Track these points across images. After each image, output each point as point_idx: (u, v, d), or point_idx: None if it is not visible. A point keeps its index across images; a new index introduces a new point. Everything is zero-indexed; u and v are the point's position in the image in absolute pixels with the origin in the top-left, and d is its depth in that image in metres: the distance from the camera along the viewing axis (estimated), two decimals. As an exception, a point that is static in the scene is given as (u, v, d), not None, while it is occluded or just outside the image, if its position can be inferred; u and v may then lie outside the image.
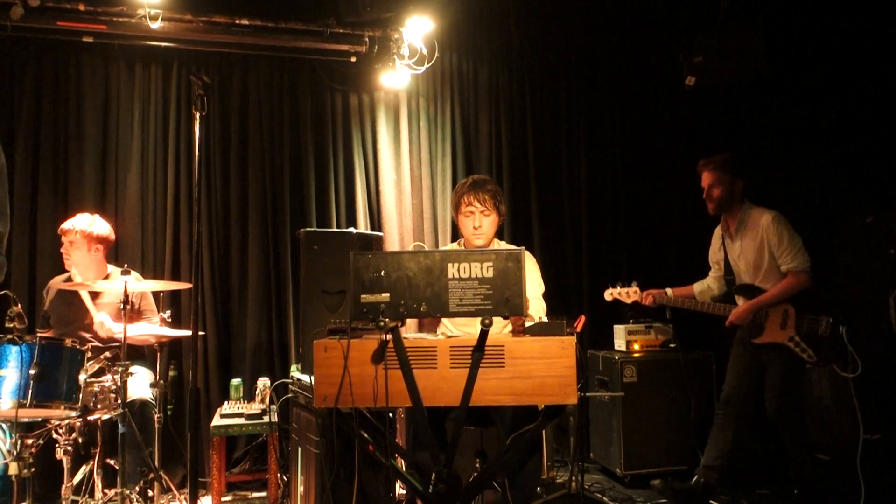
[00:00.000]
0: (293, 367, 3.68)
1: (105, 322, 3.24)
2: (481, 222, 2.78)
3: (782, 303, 3.16)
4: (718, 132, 4.82)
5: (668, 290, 3.47)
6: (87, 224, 3.37)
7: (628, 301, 3.46)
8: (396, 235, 4.38)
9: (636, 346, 3.89)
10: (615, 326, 4.04)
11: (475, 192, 2.77)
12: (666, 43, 4.56)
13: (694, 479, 3.28)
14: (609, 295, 3.45)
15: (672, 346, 3.92)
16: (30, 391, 2.58)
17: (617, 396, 3.74)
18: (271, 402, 3.51)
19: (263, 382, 3.62)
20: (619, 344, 3.96)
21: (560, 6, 4.73)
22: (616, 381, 3.77)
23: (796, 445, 3.16)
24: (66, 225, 3.37)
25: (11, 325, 2.65)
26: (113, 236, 3.53)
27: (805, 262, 3.13)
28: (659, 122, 4.84)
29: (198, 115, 2.43)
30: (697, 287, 3.53)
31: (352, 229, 3.76)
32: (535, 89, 4.74)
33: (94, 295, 3.38)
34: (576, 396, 1.93)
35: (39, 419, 2.76)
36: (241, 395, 3.68)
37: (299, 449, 2.72)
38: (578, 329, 2.11)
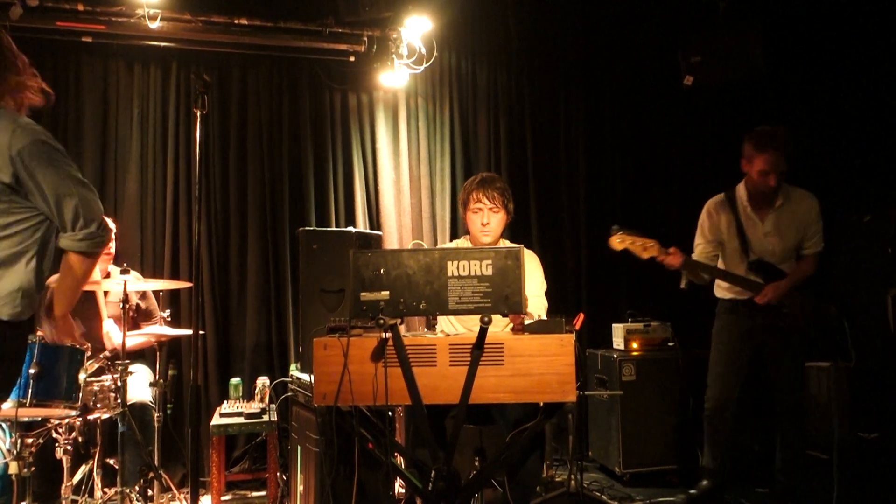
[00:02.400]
0: (292, 366, 3.68)
1: (111, 334, 3.23)
2: (489, 219, 2.77)
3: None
4: (716, 131, 4.84)
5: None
6: (111, 222, 3.41)
7: (643, 256, 2.90)
8: (395, 234, 4.39)
9: (635, 345, 3.89)
10: (614, 325, 4.05)
11: (484, 189, 2.77)
12: (664, 43, 4.57)
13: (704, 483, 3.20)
14: (619, 243, 2.87)
15: (670, 344, 3.93)
16: (29, 390, 2.57)
17: (616, 395, 3.75)
18: (270, 400, 3.51)
19: (263, 381, 3.62)
20: (618, 343, 3.97)
21: (559, 6, 4.74)
22: (615, 379, 3.78)
23: (800, 442, 3.09)
24: None
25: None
26: None
27: (822, 245, 3.15)
28: (657, 121, 4.86)
29: (198, 114, 2.43)
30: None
31: (351, 228, 3.76)
32: (533, 89, 4.75)
33: (103, 294, 3.40)
34: (575, 394, 1.93)
35: (39, 418, 2.76)
36: (241, 394, 3.69)
37: (299, 447, 2.73)
38: (577, 327, 2.11)
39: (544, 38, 4.76)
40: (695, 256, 3.19)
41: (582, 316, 2.45)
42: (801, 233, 3.14)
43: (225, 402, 3.63)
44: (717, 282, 3.25)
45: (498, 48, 4.71)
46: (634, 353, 3.85)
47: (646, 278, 4.76)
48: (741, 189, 3.21)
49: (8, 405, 2.57)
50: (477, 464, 2.42)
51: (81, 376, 2.77)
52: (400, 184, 4.45)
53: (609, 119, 4.83)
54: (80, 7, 3.75)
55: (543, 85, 4.77)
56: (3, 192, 1.78)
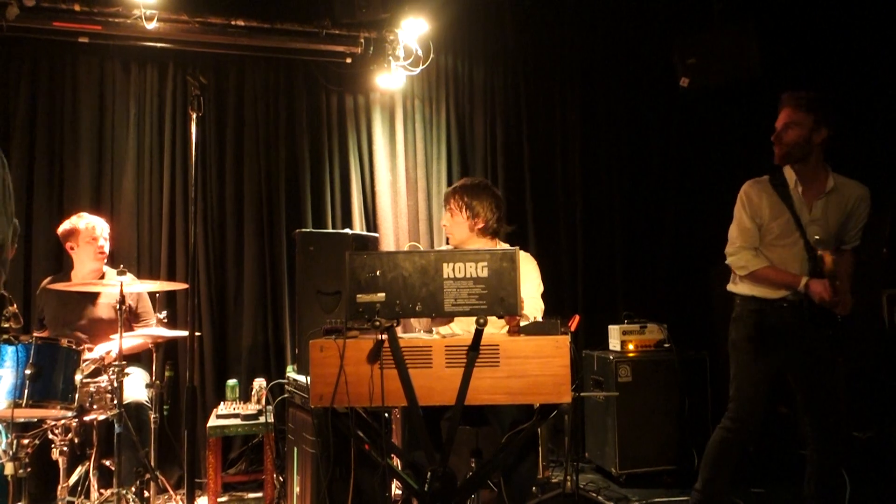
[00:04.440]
0: (289, 368, 3.68)
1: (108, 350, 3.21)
2: (449, 222, 2.92)
3: None
4: (712, 133, 4.85)
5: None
6: (105, 222, 3.50)
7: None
8: (392, 236, 4.39)
9: (630, 346, 3.91)
10: (610, 326, 4.05)
11: (452, 193, 2.93)
12: (660, 44, 4.58)
13: None
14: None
15: (666, 345, 3.94)
16: (25, 391, 2.57)
17: (611, 396, 3.76)
18: (267, 402, 3.51)
19: (259, 383, 3.62)
20: (614, 344, 3.98)
21: (555, 8, 4.76)
22: (611, 380, 3.79)
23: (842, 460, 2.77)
24: (98, 224, 3.43)
25: (7, 326, 2.65)
26: None
27: (860, 241, 2.90)
28: (653, 123, 4.87)
29: (194, 116, 2.44)
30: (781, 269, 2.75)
31: (347, 230, 3.77)
32: (529, 90, 4.76)
33: (95, 295, 3.40)
34: (570, 395, 1.94)
35: (35, 419, 2.75)
36: (237, 395, 3.69)
37: (295, 449, 2.73)
38: (573, 328, 2.12)
39: (541, 40, 4.77)
40: (744, 247, 2.79)
41: (578, 318, 2.46)
42: (842, 224, 2.81)
43: (221, 403, 3.63)
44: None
45: (494, 50, 4.72)
46: (630, 355, 3.86)
47: (641, 280, 4.77)
48: (788, 168, 2.81)
49: (4, 406, 2.57)
50: (473, 465, 2.42)
51: (78, 377, 2.77)
52: (396, 186, 4.46)
53: (605, 121, 4.84)
54: (77, 7, 3.75)
55: (540, 87, 4.78)
56: None
